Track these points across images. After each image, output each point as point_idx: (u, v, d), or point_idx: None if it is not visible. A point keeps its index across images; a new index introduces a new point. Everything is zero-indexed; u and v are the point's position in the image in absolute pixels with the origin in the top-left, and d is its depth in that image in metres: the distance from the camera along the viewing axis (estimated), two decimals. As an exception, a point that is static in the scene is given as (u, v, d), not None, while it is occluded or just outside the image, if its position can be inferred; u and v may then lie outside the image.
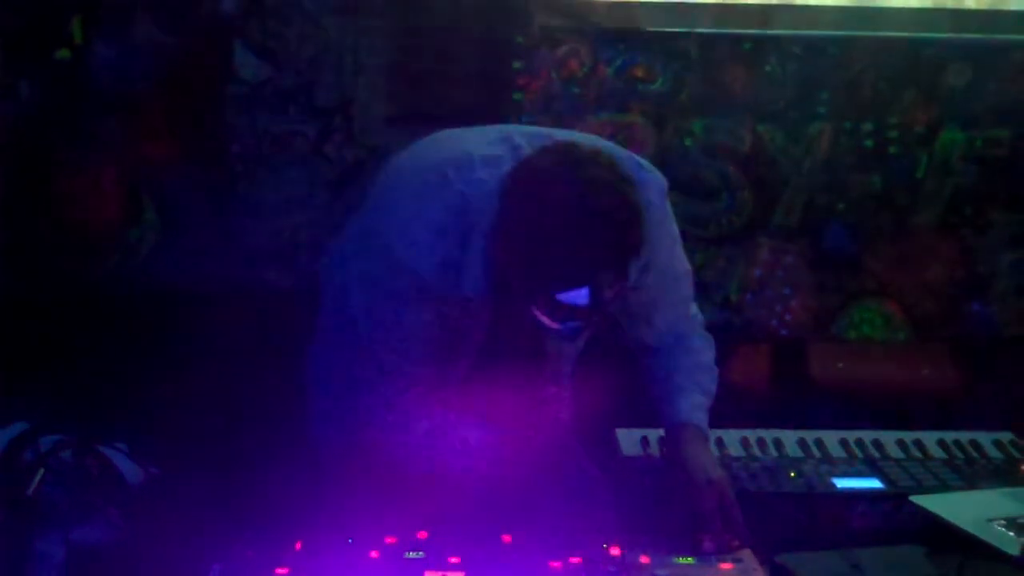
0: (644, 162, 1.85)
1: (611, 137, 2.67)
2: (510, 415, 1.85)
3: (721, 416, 1.96)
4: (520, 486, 1.80)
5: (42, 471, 1.75)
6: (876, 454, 2.12)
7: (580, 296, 1.57)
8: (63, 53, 2.62)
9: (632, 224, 1.60)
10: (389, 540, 1.68)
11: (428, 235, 1.69)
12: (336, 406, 1.82)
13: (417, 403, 1.78)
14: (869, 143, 2.73)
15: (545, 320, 1.63)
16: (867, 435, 2.18)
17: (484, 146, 1.77)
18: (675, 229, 1.88)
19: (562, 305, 1.59)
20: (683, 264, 1.92)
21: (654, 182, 1.82)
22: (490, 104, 2.69)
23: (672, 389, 1.89)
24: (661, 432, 1.95)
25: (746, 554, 1.69)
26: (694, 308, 1.99)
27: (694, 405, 1.88)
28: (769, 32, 2.67)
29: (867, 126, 2.72)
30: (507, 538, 1.69)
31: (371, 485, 1.77)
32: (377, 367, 1.76)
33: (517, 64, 2.66)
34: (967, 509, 1.81)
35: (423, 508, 1.74)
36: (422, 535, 1.70)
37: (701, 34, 2.67)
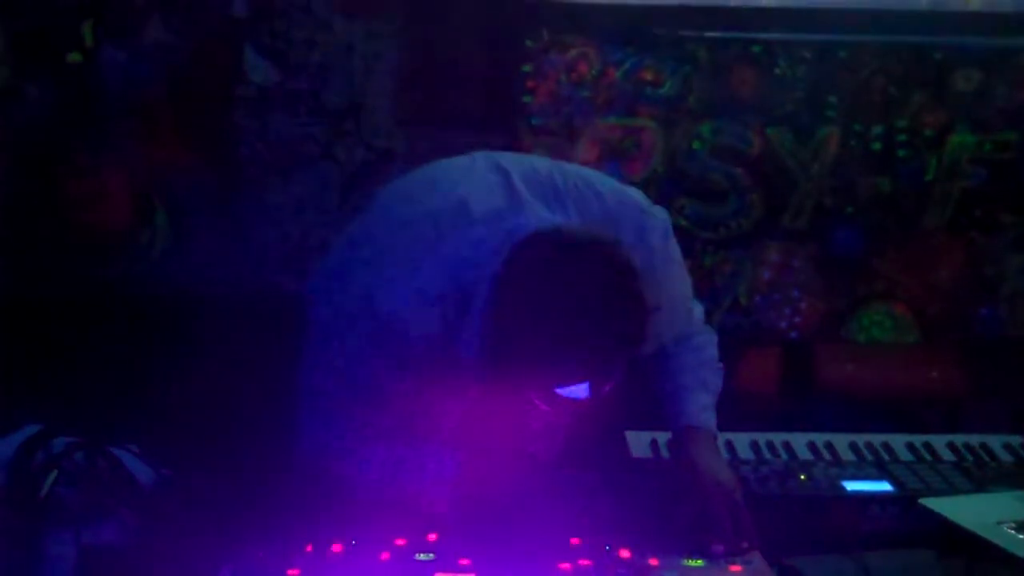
0: (646, 204, 1.82)
1: (620, 141, 2.68)
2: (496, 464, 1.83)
3: (730, 419, 1.96)
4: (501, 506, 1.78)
5: (55, 473, 1.76)
6: (886, 457, 2.12)
7: (580, 390, 1.55)
8: (74, 56, 2.63)
9: (633, 323, 1.55)
10: (399, 542, 1.69)
11: (421, 302, 1.62)
12: (318, 424, 1.79)
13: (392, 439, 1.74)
14: (878, 146, 2.73)
15: (543, 408, 1.60)
16: (876, 438, 2.18)
17: (481, 193, 1.69)
18: (678, 254, 1.85)
19: (561, 398, 1.56)
20: (685, 283, 1.90)
21: (657, 225, 1.79)
22: (499, 107, 2.69)
23: (678, 389, 1.89)
24: (670, 434, 1.95)
25: (755, 556, 1.69)
26: (697, 309, 1.98)
27: (702, 406, 1.88)
28: (778, 36, 2.67)
29: (876, 129, 2.72)
30: (516, 540, 1.69)
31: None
32: (347, 416, 1.73)
33: (526, 67, 2.66)
34: (977, 512, 1.80)
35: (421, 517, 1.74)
36: (432, 537, 1.71)
37: (710, 37, 2.67)
